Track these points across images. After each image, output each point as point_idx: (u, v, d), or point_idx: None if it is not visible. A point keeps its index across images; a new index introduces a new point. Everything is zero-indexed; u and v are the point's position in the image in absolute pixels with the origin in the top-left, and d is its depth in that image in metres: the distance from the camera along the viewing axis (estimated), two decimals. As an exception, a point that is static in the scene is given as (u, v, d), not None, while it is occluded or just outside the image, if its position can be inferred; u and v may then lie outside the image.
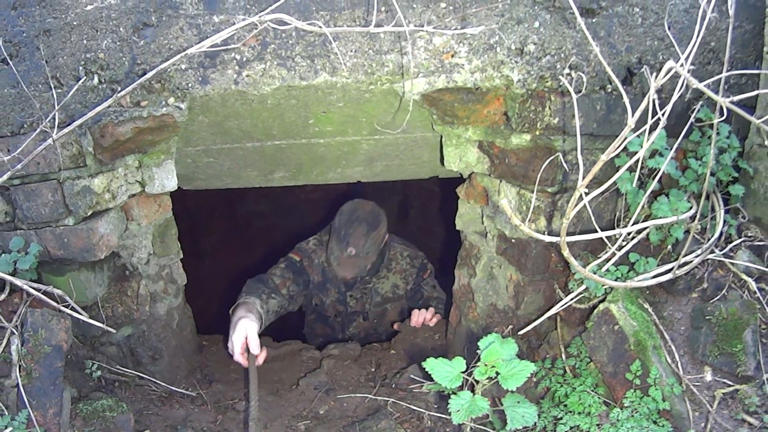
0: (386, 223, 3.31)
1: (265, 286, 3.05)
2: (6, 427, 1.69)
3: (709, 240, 1.84)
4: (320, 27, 1.72)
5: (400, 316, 3.63)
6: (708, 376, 1.71)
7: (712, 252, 1.84)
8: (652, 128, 1.50)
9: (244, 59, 1.89)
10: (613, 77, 1.45)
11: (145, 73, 1.85)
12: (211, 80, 1.90)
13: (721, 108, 1.51)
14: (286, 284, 3.17)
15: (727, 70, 1.77)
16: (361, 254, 3.14)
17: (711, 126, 1.75)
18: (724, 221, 1.87)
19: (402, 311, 3.65)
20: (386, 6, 1.82)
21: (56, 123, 1.84)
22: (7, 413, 1.74)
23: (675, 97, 1.47)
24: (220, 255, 5.90)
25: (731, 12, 1.56)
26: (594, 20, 1.90)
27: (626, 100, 1.41)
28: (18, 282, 1.90)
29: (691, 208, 1.83)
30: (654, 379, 1.71)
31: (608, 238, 1.81)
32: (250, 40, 1.86)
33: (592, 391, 1.87)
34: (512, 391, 1.64)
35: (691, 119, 1.83)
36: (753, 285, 1.75)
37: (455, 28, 1.86)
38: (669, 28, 1.91)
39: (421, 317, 3.09)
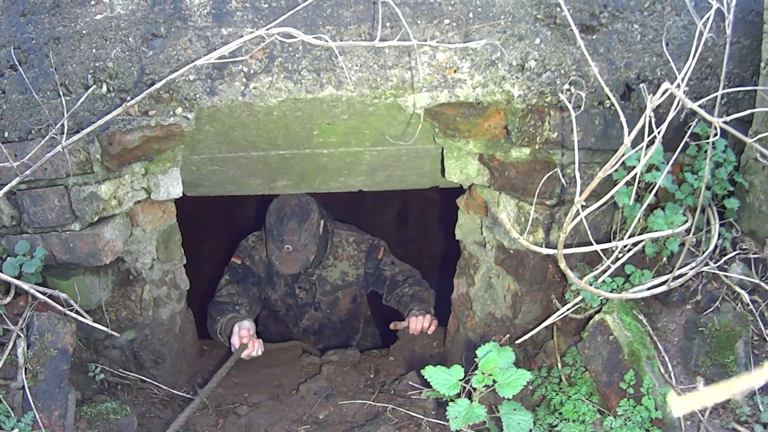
0: (318, 210, 3.22)
1: (225, 307, 3.05)
2: (12, 429, 1.71)
3: (703, 253, 1.87)
4: (326, 41, 1.75)
5: (353, 303, 3.62)
6: (700, 386, 1.74)
7: (707, 264, 1.87)
8: (649, 143, 1.53)
9: (252, 71, 1.91)
10: (611, 96, 1.49)
11: (153, 83, 1.87)
12: (218, 91, 1.92)
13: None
14: (234, 299, 3.15)
15: (725, 86, 1.79)
16: (299, 248, 3.09)
17: (707, 140, 1.78)
18: (719, 234, 1.90)
19: (354, 297, 3.61)
20: (391, 22, 1.85)
21: (65, 130, 1.85)
22: (13, 415, 1.76)
23: (671, 115, 1.50)
24: (220, 261, 5.91)
25: (729, 30, 1.59)
26: (594, 37, 1.93)
27: (623, 118, 1.45)
28: (24, 285, 1.92)
29: (686, 221, 1.85)
30: (647, 389, 1.73)
31: (604, 250, 1.83)
32: (258, 53, 1.88)
33: (587, 399, 1.90)
34: (509, 399, 1.67)
35: (688, 134, 1.86)
36: (746, 297, 1.78)
37: (458, 44, 1.89)
38: (667, 45, 1.94)
39: (419, 324, 3.08)
